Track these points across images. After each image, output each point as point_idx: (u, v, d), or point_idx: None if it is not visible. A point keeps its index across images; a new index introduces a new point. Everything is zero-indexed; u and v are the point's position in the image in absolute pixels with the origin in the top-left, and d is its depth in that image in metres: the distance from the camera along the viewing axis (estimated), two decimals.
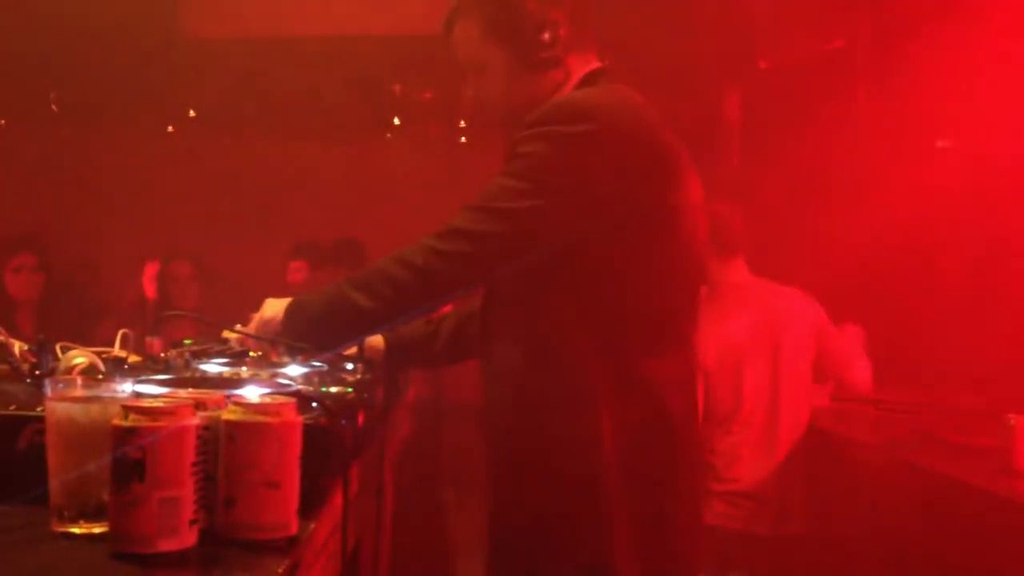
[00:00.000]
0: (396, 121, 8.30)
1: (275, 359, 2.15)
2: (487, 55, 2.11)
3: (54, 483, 1.31)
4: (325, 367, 2.16)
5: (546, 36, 2.06)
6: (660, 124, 2.03)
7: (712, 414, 3.85)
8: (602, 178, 1.92)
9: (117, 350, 2.19)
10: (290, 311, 2.10)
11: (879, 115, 5.55)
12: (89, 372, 1.82)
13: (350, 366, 2.21)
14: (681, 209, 2.01)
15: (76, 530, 1.30)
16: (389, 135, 8.42)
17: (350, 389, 1.87)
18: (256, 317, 2.16)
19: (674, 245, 2.01)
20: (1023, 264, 4.45)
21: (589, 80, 2.10)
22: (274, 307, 2.13)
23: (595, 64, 2.13)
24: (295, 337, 2.07)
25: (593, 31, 2.15)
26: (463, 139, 8.29)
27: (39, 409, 1.43)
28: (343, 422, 1.54)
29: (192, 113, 8.12)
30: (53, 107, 7.76)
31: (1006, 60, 4.66)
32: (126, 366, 2.08)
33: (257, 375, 2.00)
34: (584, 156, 1.93)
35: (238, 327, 2.22)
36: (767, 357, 3.87)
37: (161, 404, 1.25)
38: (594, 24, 2.16)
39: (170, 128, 8.33)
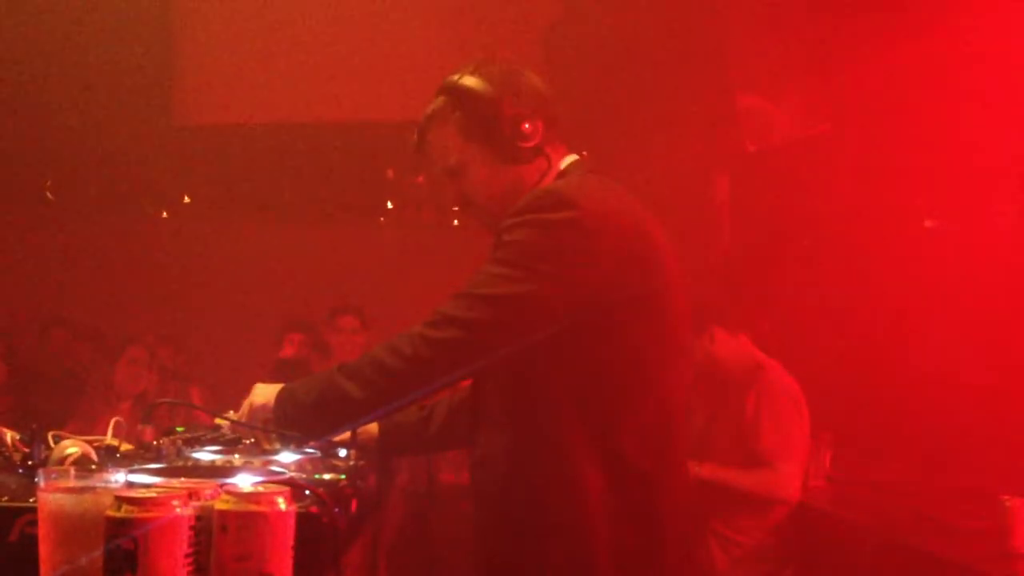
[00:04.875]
0: (389, 205, 8.37)
1: (267, 446, 2.13)
2: (466, 156, 2.17)
3: None
4: (318, 453, 2.15)
5: (526, 128, 2.11)
6: (639, 210, 2.07)
7: None
8: (586, 263, 1.95)
9: (109, 438, 2.18)
10: (281, 398, 2.09)
11: (866, 195, 5.59)
12: (82, 462, 1.81)
13: (343, 452, 2.20)
14: (662, 293, 2.04)
15: None
16: (382, 219, 8.47)
17: (343, 476, 1.86)
18: (246, 403, 2.15)
19: (656, 328, 2.02)
20: (1017, 343, 4.45)
21: (570, 170, 2.15)
22: (264, 393, 2.12)
23: (570, 155, 2.19)
24: (286, 424, 2.06)
25: (562, 124, 2.21)
26: (455, 222, 8.34)
27: (31, 500, 1.42)
28: (336, 510, 1.53)
29: (186, 199, 8.17)
30: (49, 195, 7.80)
31: (992, 138, 4.71)
32: (118, 455, 2.07)
33: (250, 463, 1.98)
34: (569, 242, 1.96)
35: (230, 414, 2.21)
36: None
37: (154, 494, 1.24)
38: (562, 118, 2.21)
39: (164, 214, 8.37)
